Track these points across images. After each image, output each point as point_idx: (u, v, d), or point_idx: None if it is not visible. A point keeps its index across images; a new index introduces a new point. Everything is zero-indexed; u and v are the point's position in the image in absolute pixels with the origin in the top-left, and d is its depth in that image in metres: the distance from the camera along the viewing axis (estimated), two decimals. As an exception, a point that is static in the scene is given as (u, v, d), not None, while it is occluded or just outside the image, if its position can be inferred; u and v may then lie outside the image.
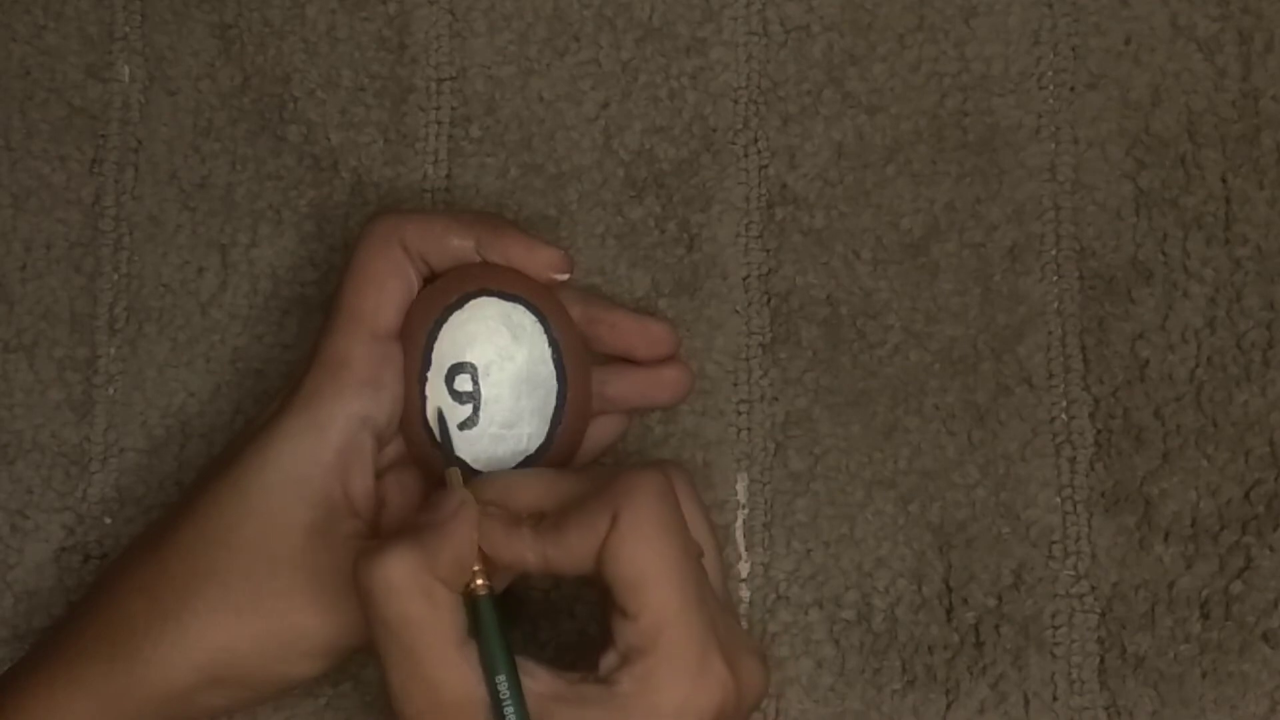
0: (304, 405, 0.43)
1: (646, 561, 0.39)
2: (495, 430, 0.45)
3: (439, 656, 0.38)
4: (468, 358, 0.45)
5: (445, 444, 0.44)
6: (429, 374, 0.45)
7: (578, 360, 0.45)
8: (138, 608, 0.42)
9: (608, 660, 0.39)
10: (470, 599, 0.39)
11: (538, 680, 0.39)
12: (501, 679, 0.38)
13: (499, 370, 0.45)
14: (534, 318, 0.45)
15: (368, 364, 0.43)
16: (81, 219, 0.51)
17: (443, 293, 0.45)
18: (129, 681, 0.42)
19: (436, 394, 0.45)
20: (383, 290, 0.44)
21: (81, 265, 0.51)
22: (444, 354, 0.45)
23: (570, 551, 0.39)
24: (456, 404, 0.45)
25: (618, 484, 0.39)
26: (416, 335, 0.44)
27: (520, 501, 0.41)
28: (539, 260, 0.45)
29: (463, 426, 0.45)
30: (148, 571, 0.43)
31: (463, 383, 0.45)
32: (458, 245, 0.44)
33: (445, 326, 0.44)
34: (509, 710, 0.38)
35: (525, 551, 0.40)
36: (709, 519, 0.43)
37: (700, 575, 0.40)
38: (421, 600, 0.38)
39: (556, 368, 0.45)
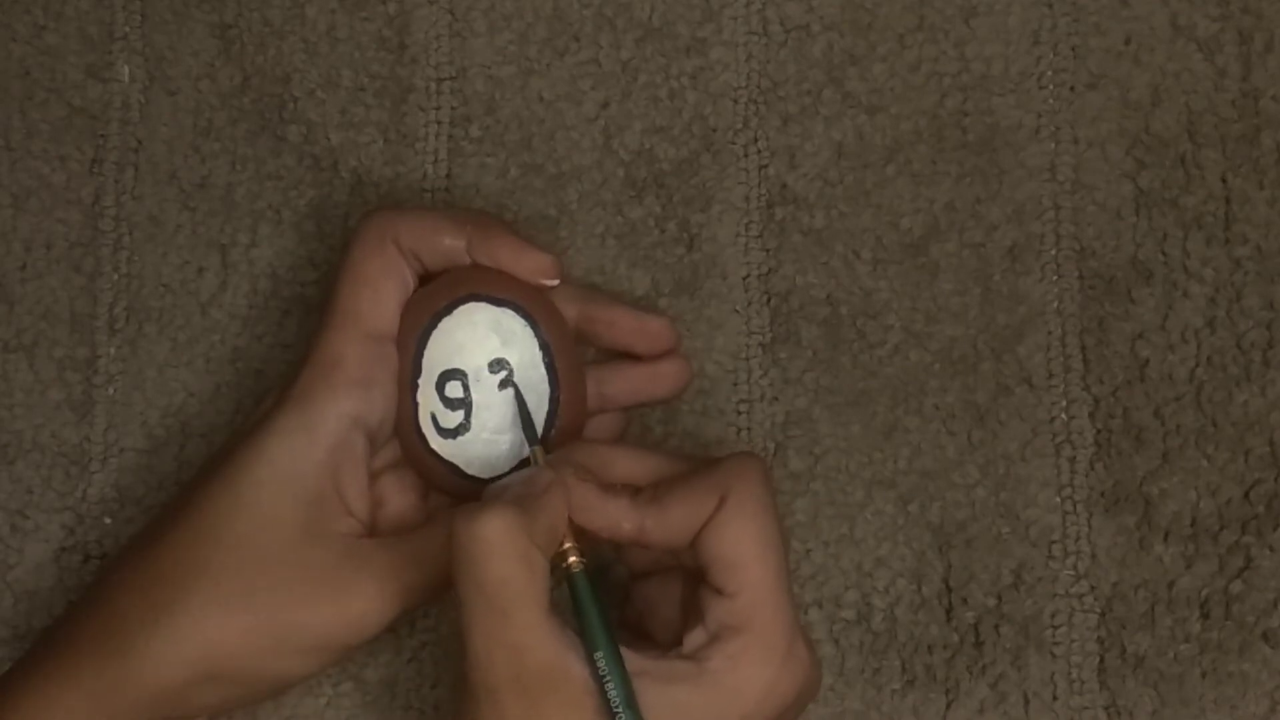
0: (296, 404, 0.43)
1: (751, 543, 0.40)
2: (488, 436, 0.45)
3: (530, 622, 0.38)
4: (458, 364, 0.45)
5: (527, 425, 0.44)
6: (420, 381, 0.45)
7: (570, 363, 0.45)
8: (131, 604, 0.42)
9: (694, 637, 0.40)
10: (566, 574, 0.40)
11: (623, 657, 0.39)
12: (600, 655, 0.39)
13: (490, 376, 0.45)
14: (524, 322, 0.45)
15: (361, 364, 0.44)
16: (81, 219, 0.51)
17: (432, 298, 0.45)
18: (122, 677, 0.42)
19: (428, 400, 0.45)
20: (377, 290, 0.44)
21: (81, 265, 0.51)
22: (434, 360, 0.45)
23: (669, 524, 0.40)
24: (448, 410, 0.45)
25: (727, 466, 0.40)
26: (407, 342, 0.44)
27: (615, 472, 0.42)
28: (527, 265, 0.45)
29: (455, 433, 0.45)
30: (141, 568, 0.43)
31: (454, 389, 0.45)
32: (450, 245, 0.44)
33: (435, 333, 0.44)
34: (610, 686, 0.38)
35: (621, 519, 0.40)
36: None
37: (788, 562, 0.41)
38: (519, 563, 0.38)
39: (548, 371, 0.45)
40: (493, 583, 0.38)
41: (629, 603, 0.45)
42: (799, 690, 0.40)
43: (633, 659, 0.39)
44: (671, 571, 0.43)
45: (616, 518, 0.40)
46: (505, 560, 0.38)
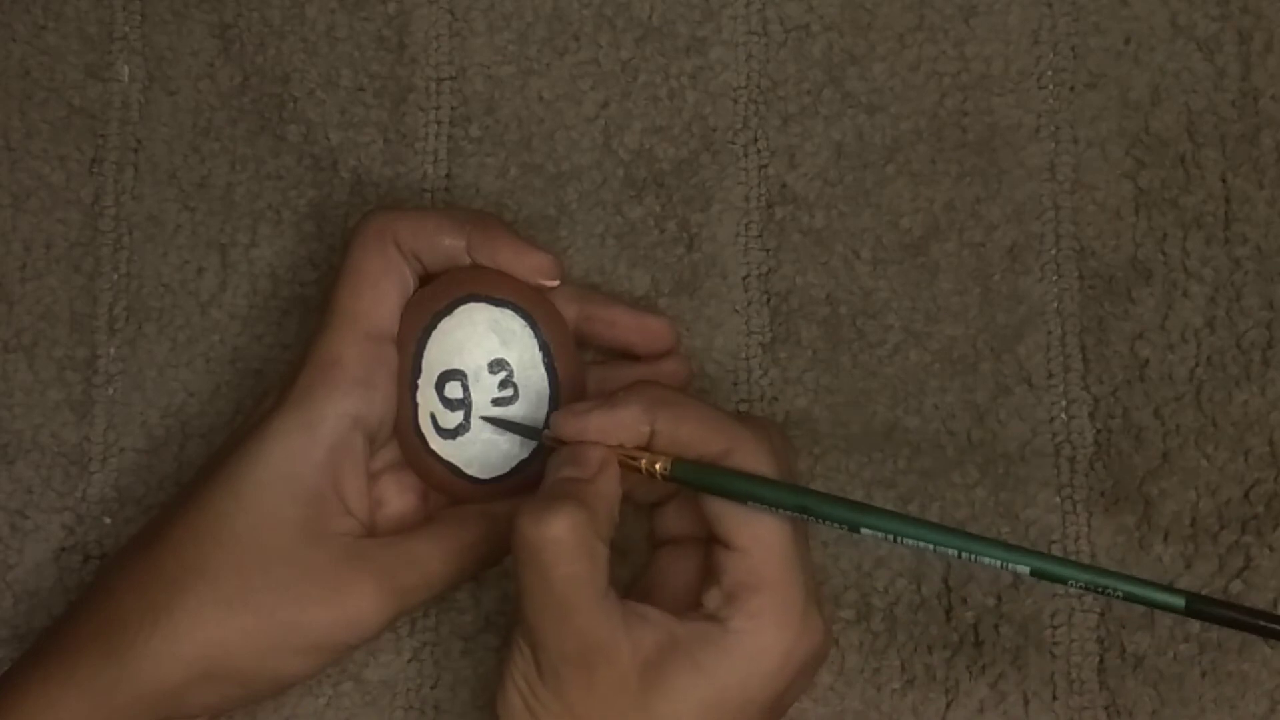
0: (296, 403, 0.43)
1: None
2: (488, 436, 0.45)
3: (593, 608, 0.40)
4: (457, 364, 0.45)
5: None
6: (420, 381, 0.45)
7: (569, 363, 0.45)
8: (130, 604, 0.42)
9: (711, 597, 0.41)
10: (666, 478, 0.41)
11: (652, 622, 0.41)
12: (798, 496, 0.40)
13: (489, 376, 0.45)
14: (524, 322, 0.45)
15: (360, 364, 0.44)
16: (81, 219, 0.51)
17: (432, 298, 0.45)
18: (120, 677, 0.42)
19: (428, 401, 0.45)
20: (377, 290, 0.44)
21: (81, 265, 0.51)
22: (434, 361, 0.45)
23: (680, 434, 0.41)
24: (448, 411, 0.45)
25: (746, 419, 0.42)
26: (406, 342, 0.44)
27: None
28: (527, 265, 0.45)
29: (455, 433, 0.45)
30: (141, 568, 0.43)
31: (453, 389, 0.45)
32: (450, 245, 0.45)
33: (434, 333, 0.44)
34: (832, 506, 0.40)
35: (637, 423, 0.41)
36: None
37: (804, 525, 0.41)
38: (586, 559, 0.39)
39: (548, 372, 0.45)
40: (560, 580, 0.39)
41: (643, 572, 0.45)
42: (813, 654, 0.41)
43: (663, 623, 0.40)
44: (687, 543, 0.44)
45: (632, 424, 0.41)
46: (573, 559, 0.39)
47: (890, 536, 0.39)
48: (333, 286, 0.45)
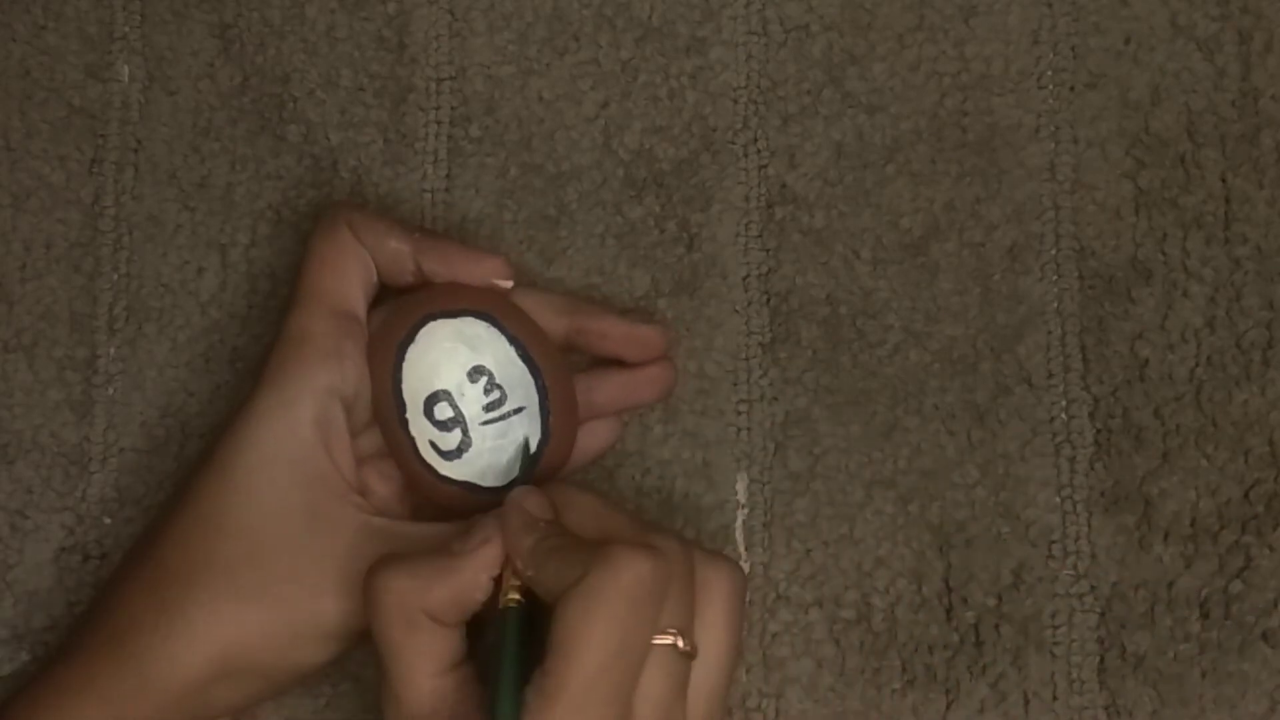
0: (272, 383, 0.44)
1: (579, 633, 0.37)
2: (492, 443, 0.45)
3: (407, 681, 0.39)
4: (438, 385, 0.45)
5: (525, 474, 0.44)
6: (408, 415, 0.44)
7: (544, 350, 0.45)
8: (141, 605, 0.42)
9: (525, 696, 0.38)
10: (501, 610, 0.39)
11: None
12: (499, 709, 0.37)
13: (472, 385, 0.45)
14: (486, 324, 0.45)
15: (329, 337, 0.44)
16: (81, 219, 0.51)
17: (390, 334, 0.45)
18: (140, 681, 0.41)
19: (422, 431, 0.44)
20: (338, 268, 0.45)
21: (81, 265, 0.51)
22: (414, 390, 0.44)
23: (544, 580, 0.39)
24: (444, 433, 0.44)
25: (610, 547, 0.38)
26: (382, 382, 0.44)
27: (566, 516, 0.41)
28: (484, 268, 0.45)
29: (459, 452, 0.45)
30: (148, 568, 0.43)
31: (442, 411, 0.45)
32: (394, 248, 0.45)
33: (405, 364, 0.45)
34: None
35: (524, 562, 0.40)
36: (738, 632, 0.41)
37: (628, 679, 0.37)
38: (401, 627, 0.39)
39: (526, 363, 0.45)
40: (380, 638, 0.39)
41: None
42: None
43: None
44: None
45: (523, 556, 0.39)
46: (389, 622, 0.39)
47: None
48: (298, 271, 0.45)
